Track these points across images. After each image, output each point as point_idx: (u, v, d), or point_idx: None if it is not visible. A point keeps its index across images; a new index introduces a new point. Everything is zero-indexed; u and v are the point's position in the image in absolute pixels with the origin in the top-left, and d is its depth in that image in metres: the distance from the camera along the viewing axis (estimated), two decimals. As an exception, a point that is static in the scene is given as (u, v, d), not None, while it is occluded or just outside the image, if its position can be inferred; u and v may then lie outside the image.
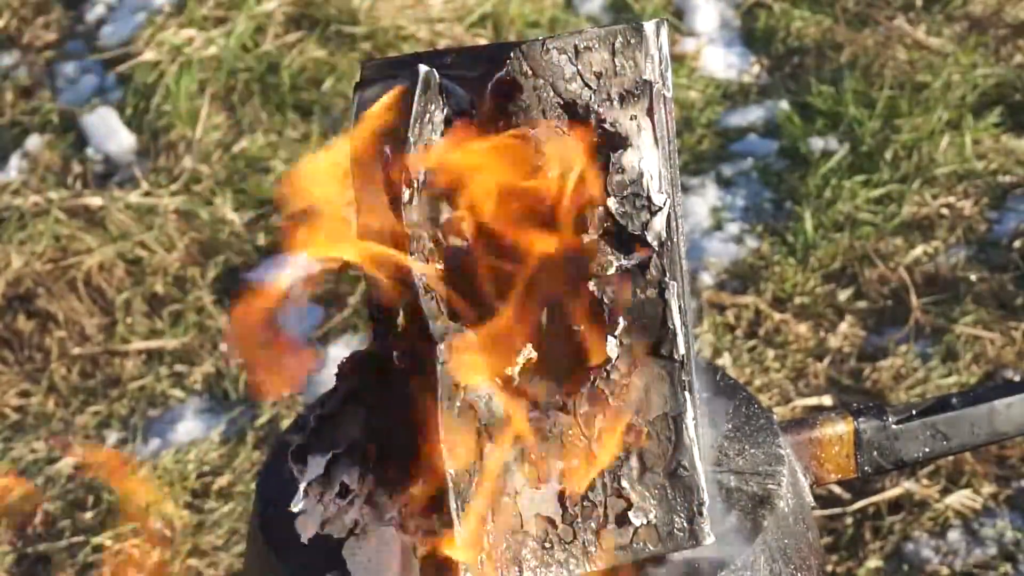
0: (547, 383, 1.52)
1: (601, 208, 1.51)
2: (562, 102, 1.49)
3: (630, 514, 1.55)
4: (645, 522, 1.56)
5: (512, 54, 1.47)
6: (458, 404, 1.48)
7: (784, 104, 3.79)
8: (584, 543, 1.54)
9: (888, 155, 3.57)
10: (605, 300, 1.52)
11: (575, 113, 1.49)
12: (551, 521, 1.52)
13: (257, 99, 3.86)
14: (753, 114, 3.81)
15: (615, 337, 1.52)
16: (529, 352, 1.51)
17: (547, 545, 1.52)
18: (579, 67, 1.49)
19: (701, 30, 4.09)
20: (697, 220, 3.51)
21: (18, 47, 4.17)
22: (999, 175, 3.55)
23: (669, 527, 1.57)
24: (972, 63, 3.82)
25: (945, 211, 3.46)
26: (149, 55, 3.94)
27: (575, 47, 1.49)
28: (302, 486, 1.57)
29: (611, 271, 1.52)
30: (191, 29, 3.98)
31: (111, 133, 3.84)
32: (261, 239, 3.51)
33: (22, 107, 3.97)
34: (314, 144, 3.71)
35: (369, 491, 1.54)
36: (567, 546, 1.53)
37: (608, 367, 1.52)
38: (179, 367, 3.24)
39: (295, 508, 1.58)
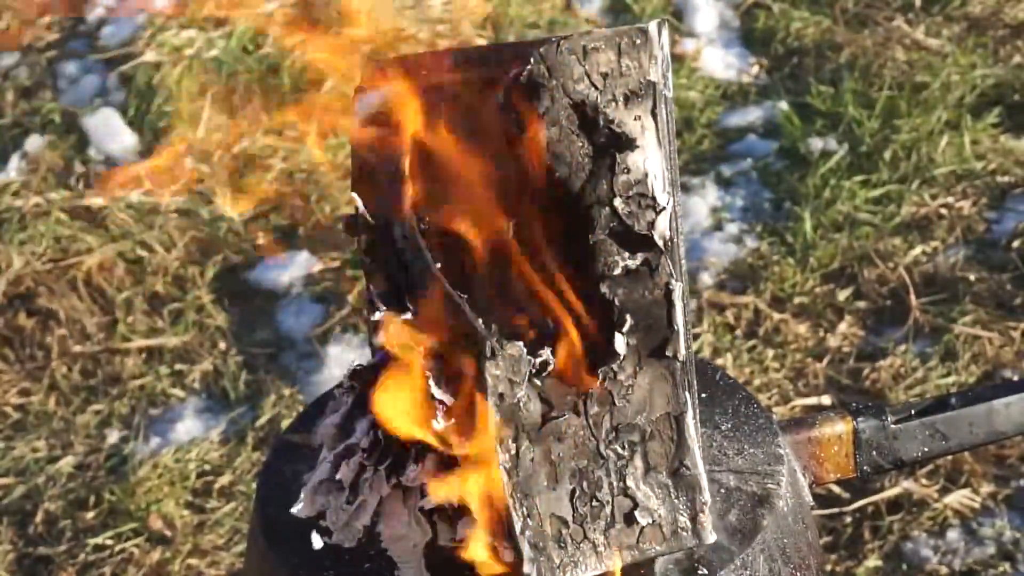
0: (557, 384, 1.52)
1: (607, 208, 1.51)
2: (571, 103, 1.49)
3: (636, 513, 1.55)
4: (650, 521, 1.56)
5: (533, 57, 1.47)
6: (510, 404, 1.48)
7: (783, 104, 3.79)
8: (594, 543, 1.54)
9: (887, 155, 3.58)
10: (614, 300, 1.53)
11: (584, 114, 1.50)
12: (564, 521, 1.53)
13: (258, 100, 3.87)
14: (752, 114, 3.82)
15: (623, 335, 1.53)
16: (546, 354, 1.52)
17: (562, 545, 1.53)
18: (586, 67, 1.50)
19: (700, 31, 4.09)
20: (697, 220, 3.51)
21: (19, 47, 4.17)
22: (998, 175, 3.56)
23: (673, 526, 1.57)
24: (971, 63, 3.83)
25: (944, 211, 3.47)
26: (150, 56, 3.94)
27: (583, 48, 1.49)
28: (305, 489, 1.57)
29: (617, 271, 1.52)
30: (192, 30, 3.99)
31: (113, 133, 3.84)
32: (261, 238, 3.52)
33: (23, 107, 3.97)
34: (312, 143, 3.71)
35: (381, 497, 1.55)
36: (579, 545, 1.53)
37: (615, 367, 1.53)
38: (179, 366, 3.25)
39: (295, 510, 1.58)
